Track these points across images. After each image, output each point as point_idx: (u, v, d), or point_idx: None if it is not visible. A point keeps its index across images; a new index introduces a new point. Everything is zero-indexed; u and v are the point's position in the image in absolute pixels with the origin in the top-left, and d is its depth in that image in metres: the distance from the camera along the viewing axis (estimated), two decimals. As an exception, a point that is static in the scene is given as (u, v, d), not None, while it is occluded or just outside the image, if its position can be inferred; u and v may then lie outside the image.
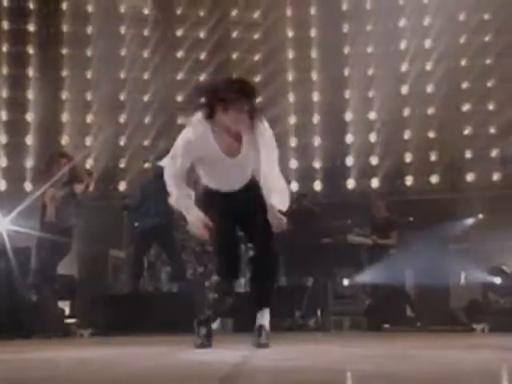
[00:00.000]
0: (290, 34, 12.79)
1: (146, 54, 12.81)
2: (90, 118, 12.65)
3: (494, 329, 8.14)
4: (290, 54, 12.74)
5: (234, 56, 12.81)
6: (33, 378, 3.54)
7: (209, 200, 5.24)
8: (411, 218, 10.93)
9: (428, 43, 12.33)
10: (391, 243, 9.97)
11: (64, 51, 12.75)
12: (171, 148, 5.15)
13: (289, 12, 12.81)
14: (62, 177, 8.46)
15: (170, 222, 9.57)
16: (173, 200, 5.20)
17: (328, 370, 3.61)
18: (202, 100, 4.97)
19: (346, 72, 12.59)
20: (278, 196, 5.02)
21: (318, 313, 9.51)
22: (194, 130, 5.01)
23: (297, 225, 10.17)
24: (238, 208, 5.15)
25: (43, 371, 3.86)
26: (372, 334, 8.58)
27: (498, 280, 9.01)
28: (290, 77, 12.71)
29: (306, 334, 8.65)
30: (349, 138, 12.41)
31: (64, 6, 12.82)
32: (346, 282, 10.06)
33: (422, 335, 8.16)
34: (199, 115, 5.01)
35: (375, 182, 12.21)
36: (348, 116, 12.48)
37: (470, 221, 11.07)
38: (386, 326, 9.51)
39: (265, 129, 5.04)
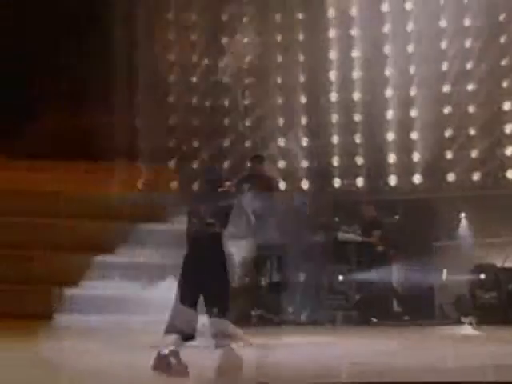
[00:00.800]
0: (278, 38, 13.16)
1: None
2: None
3: (480, 322, 8.58)
4: (278, 58, 13.09)
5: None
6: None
7: None
8: (396, 217, 11.36)
9: (411, 48, 12.73)
10: (373, 241, 10.41)
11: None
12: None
13: (278, 17, 13.16)
14: None
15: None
16: None
17: (339, 364, 3.86)
18: None
19: (332, 75, 12.97)
20: None
21: (309, 308, 9.89)
22: None
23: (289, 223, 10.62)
24: None
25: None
26: (363, 328, 8.97)
27: (482, 276, 9.43)
28: (278, 80, 13.07)
29: (298, 328, 8.98)
30: (335, 139, 12.81)
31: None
32: (336, 277, 10.42)
33: (412, 329, 8.54)
34: None
35: (360, 182, 12.60)
36: (334, 117, 12.87)
37: (452, 220, 11.52)
38: (374, 320, 9.93)
39: None
